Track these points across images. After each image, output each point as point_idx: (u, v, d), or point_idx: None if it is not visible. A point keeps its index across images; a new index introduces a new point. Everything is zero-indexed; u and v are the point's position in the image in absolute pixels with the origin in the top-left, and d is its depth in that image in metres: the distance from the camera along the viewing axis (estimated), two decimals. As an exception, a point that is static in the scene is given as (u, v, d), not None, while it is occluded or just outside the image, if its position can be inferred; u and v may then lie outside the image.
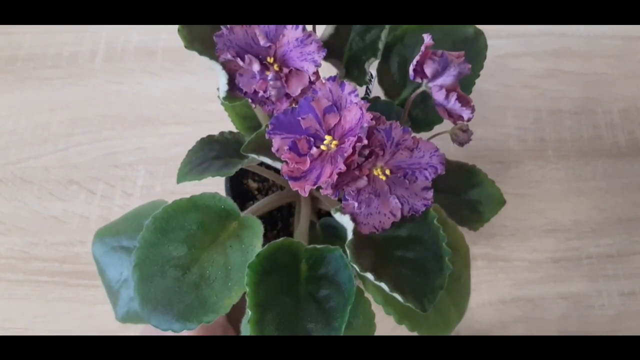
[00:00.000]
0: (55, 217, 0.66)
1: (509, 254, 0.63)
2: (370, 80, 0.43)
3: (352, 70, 0.43)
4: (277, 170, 0.46)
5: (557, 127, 0.70)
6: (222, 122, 0.71)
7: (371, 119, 0.32)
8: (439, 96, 0.34)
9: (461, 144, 0.38)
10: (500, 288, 0.61)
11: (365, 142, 0.32)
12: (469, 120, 0.35)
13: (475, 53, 0.43)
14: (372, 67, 0.43)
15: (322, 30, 0.45)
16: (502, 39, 0.76)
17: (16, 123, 0.72)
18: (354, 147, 0.32)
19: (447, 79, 0.34)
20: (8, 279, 0.63)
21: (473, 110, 0.34)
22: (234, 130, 0.48)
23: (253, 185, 0.54)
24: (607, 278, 0.62)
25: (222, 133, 0.46)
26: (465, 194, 0.47)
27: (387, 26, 0.41)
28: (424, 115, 0.43)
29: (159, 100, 0.73)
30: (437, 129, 0.43)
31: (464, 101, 0.34)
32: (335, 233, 0.44)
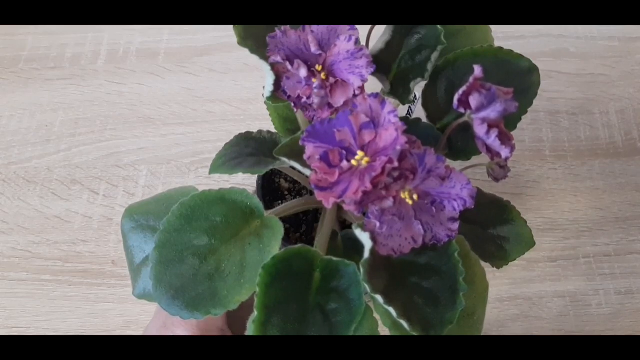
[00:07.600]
0: (58, 216, 0.66)
1: (506, 253, 0.63)
2: (414, 101, 0.42)
3: (398, 88, 0.42)
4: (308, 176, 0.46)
5: (555, 127, 0.71)
6: (222, 123, 0.72)
7: (405, 143, 0.31)
8: (479, 130, 0.33)
9: (496, 180, 0.37)
10: (498, 287, 0.62)
11: (396, 164, 0.31)
12: (506, 159, 0.33)
13: (526, 88, 0.42)
14: (418, 88, 0.42)
15: (372, 42, 0.44)
16: (499, 41, 0.76)
17: (19, 123, 0.73)
18: (383, 168, 0.31)
19: (491, 113, 0.33)
20: (11, 277, 0.63)
21: (512, 150, 0.33)
22: (271, 130, 0.48)
23: (285, 185, 0.54)
24: (604, 277, 0.62)
25: (260, 131, 0.46)
26: (494, 229, 0.45)
27: (439, 48, 0.40)
28: (464, 144, 0.42)
29: (160, 101, 0.73)
30: (475, 159, 0.42)
31: (505, 139, 0.33)
32: (355, 247, 0.43)
